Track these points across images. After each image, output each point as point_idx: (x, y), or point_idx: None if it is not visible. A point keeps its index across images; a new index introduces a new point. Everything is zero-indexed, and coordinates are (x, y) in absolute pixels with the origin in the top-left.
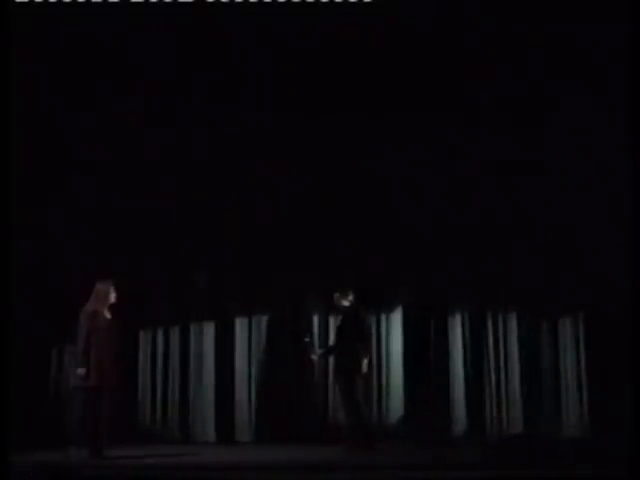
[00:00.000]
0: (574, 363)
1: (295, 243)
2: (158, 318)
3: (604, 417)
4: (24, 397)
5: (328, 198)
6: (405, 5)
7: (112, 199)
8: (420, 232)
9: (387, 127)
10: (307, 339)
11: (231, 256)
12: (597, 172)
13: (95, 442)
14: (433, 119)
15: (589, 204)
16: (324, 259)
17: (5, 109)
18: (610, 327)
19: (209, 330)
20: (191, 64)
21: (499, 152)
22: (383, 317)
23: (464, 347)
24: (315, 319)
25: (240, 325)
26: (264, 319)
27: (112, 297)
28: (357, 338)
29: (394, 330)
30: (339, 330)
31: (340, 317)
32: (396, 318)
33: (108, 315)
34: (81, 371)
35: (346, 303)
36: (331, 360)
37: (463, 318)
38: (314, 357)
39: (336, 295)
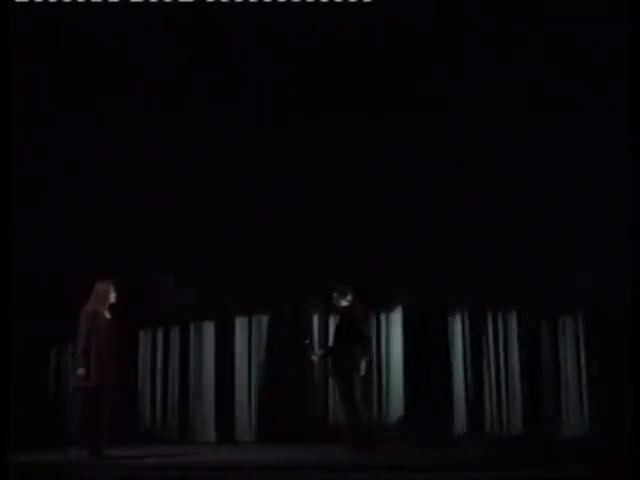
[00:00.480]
0: (574, 363)
1: (295, 243)
2: (158, 318)
3: (604, 417)
4: (24, 397)
5: (328, 198)
6: (405, 5)
7: (112, 199)
8: (420, 232)
9: (387, 127)
10: (307, 341)
11: (231, 256)
12: (597, 172)
13: (95, 442)
14: (433, 119)
15: (589, 204)
16: (324, 259)
17: (5, 109)
18: (610, 327)
19: (209, 330)
20: (191, 64)
21: (499, 152)
22: (383, 317)
23: (464, 347)
24: (315, 319)
25: (240, 325)
26: (264, 319)
27: (112, 297)
28: (356, 338)
29: (394, 330)
30: (338, 330)
31: (339, 317)
32: (396, 318)
33: (108, 315)
34: (81, 371)
35: (345, 303)
36: (330, 360)
37: (463, 318)
38: (314, 358)
39: (335, 295)
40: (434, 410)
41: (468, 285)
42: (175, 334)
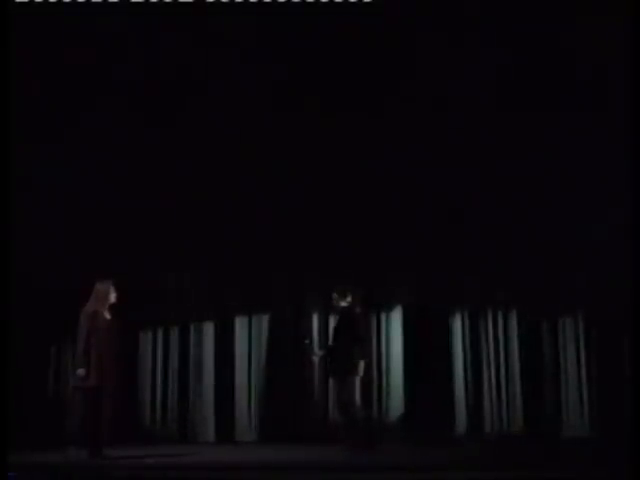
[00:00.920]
0: (574, 363)
1: (295, 243)
2: (158, 318)
3: (604, 417)
4: (24, 397)
5: (328, 198)
6: (405, 5)
7: (112, 199)
8: (420, 232)
9: (387, 127)
10: (307, 341)
11: (231, 256)
12: (597, 172)
13: (95, 442)
14: (433, 119)
15: (589, 204)
16: (324, 259)
17: (5, 108)
18: (610, 327)
19: (209, 330)
20: (191, 64)
21: (499, 152)
22: (383, 317)
23: (464, 347)
24: (315, 319)
25: (240, 325)
26: (264, 319)
27: (112, 297)
28: (355, 339)
29: (394, 330)
30: (337, 330)
31: (338, 318)
32: (396, 318)
33: (108, 315)
34: (81, 371)
35: (344, 303)
36: (329, 360)
37: (463, 318)
38: (314, 358)
39: (334, 296)
40: (434, 410)
41: (468, 285)
42: (175, 334)
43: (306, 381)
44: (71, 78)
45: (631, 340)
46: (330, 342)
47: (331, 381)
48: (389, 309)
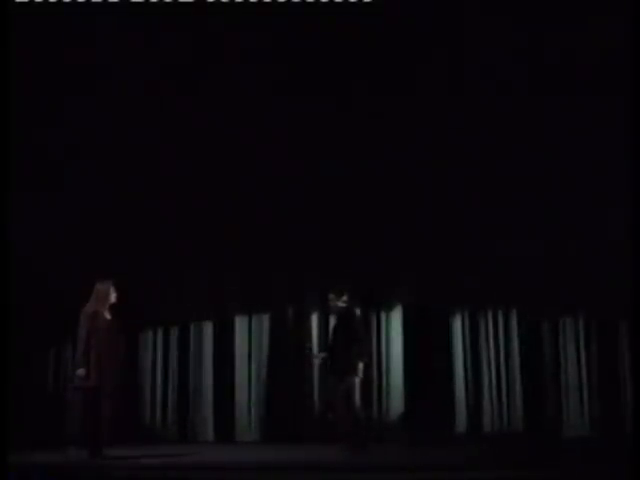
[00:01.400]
0: (574, 363)
1: (295, 243)
2: (158, 318)
3: (604, 417)
4: (24, 397)
5: (328, 198)
6: (405, 5)
7: (112, 199)
8: (420, 232)
9: (386, 127)
10: (308, 345)
11: (231, 256)
12: (597, 172)
13: (95, 442)
14: (433, 119)
15: (589, 204)
16: (324, 259)
17: (4, 108)
18: (610, 327)
19: (209, 330)
20: (191, 64)
21: (499, 152)
22: (383, 317)
23: (464, 347)
24: (315, 319)
25: (240, 325)
26: (264, 319)
27: (112, 297)
28: (353, 339)
29: (394, 330)
30: (335, 331)
31: (336, 318)
32: (396, 318)
33: (108, 315)
34: (81, 371)
35: (341, 304)
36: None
37: (463, 318)
38: (316, 361)
39: (331, 296)
40: (434, 410)
41: (468, 285)
42: (175, 334)
43: (306, 381)
44: (71, 78)
45: (631, 340)
46: (329, 343)
47: (330, 381)
48: (389, 309)
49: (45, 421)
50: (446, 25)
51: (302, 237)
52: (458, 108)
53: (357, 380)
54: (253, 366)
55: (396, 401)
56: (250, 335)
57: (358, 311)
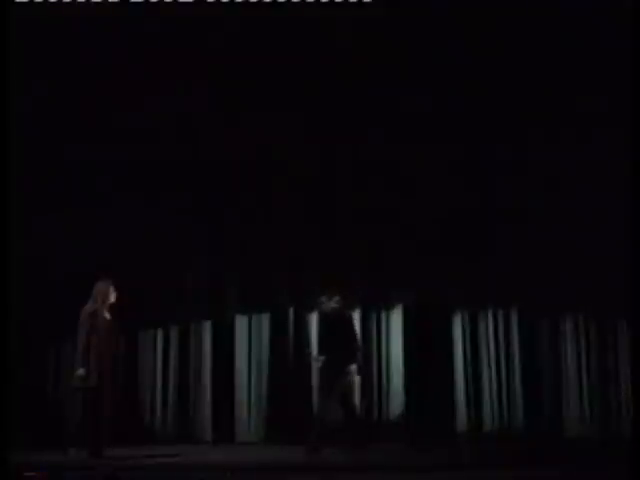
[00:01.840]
0: (574, 363)
1: (295, 243)
2: (158, 318)
3: (604, 417)
4: (24, 397)
5: (328, 198)
6: (405, 5)
7: (112, 199)
8: (420, 232)
9: (385, 126)
10: (307, 349)
11: (231, 256)
12: (597, 172)
13: (95, 442)
14: (433, 119)
15: (589, 204)
16: (324, 259)
17: (5, 110)
18: (610, 327)
19: (209, 330)
20: (191, 64)
21: (499, 152)
22: (383, 317)
23: (464, 347)
24: (314, 319)
25: (240, 325)
26: (264, 319)
27: (112, 297)
28: (346, 339)
29: (394, 330)
30: (329, 332)
31: (328, 319)
32: (396, 318)
33: (108, 315)
34: (81, 371)
35: (333, 305)
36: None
37: (463, 318)
38: (315, 364)
39: (323, 298)
40: (434, 410)
41: (468, 285)
42: (175, 334)
43: (306, 381)
44: (71, 78)
45: (631, 340)
46: (323, 344)
47: (327, 382)
48: (389, 309)
49: (45, 421)
50: (446, 26)
51: (302, 237)
52: (458, 108)
53: (351, 380)
54: (253, 366)
55: (396, 401)
56: (250, 335)
57: (350, 312)
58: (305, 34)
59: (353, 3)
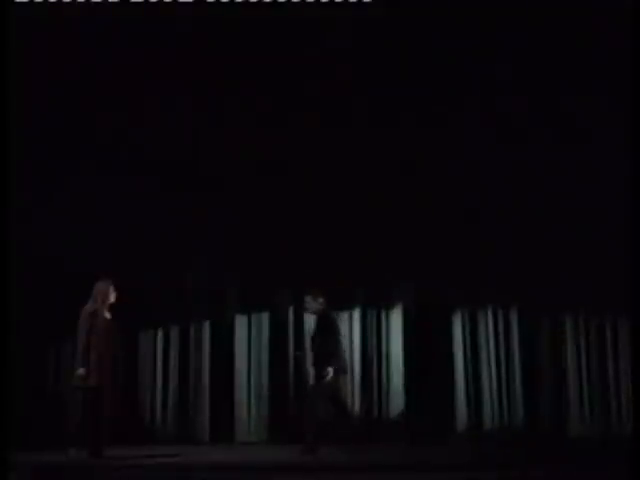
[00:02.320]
0: (574, 362)
1: (295, 243)
2: (158, 318)
3: (605, 417)
4: (24, 397)
5: (328, 198)
6: (405, 5)
7: (112, 199)
8: (420, 232)
9: (385, 126)
10: (298, 353)
11: (231, 256)
12: (597, 172)
13: (95, 442)
14: (433, 119)
15: (589, 204)
16: (324, 259)
17: (5, 109)
18: (610, 327)
19: (209, 330)
20: (191, 64)
21: (499, 152)
22: (383, 317)
23: (464, 347)
24: (314, 319)
25: (240, 325)
26: (264, 319)
27: (112, 297)
28: (329, 339)
29: (394, 330)
30: (313, 333)
31: (314, 320)
32: (396, 318)
33: (108, 315)
34: (81, 371)
35: (318, 305)
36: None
37: (463, 318)
38: (309, 368)
39: (307, 298)
40: (434, 409)
41: (468, 285)
42: (175, 334)
43: (305, 381)
44: (71, 78)
45: (631, 340)
46: (309, 345)
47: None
48: (389, 309)
49: (45, 421)
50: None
51: (302, 237)
52: (459, 108)
53: (336, 379)
54: (253, 366)
55: (396, 400)
56: (250, 335)
57: (334, 313)
58: (305, 34)
59: (353, 3)
